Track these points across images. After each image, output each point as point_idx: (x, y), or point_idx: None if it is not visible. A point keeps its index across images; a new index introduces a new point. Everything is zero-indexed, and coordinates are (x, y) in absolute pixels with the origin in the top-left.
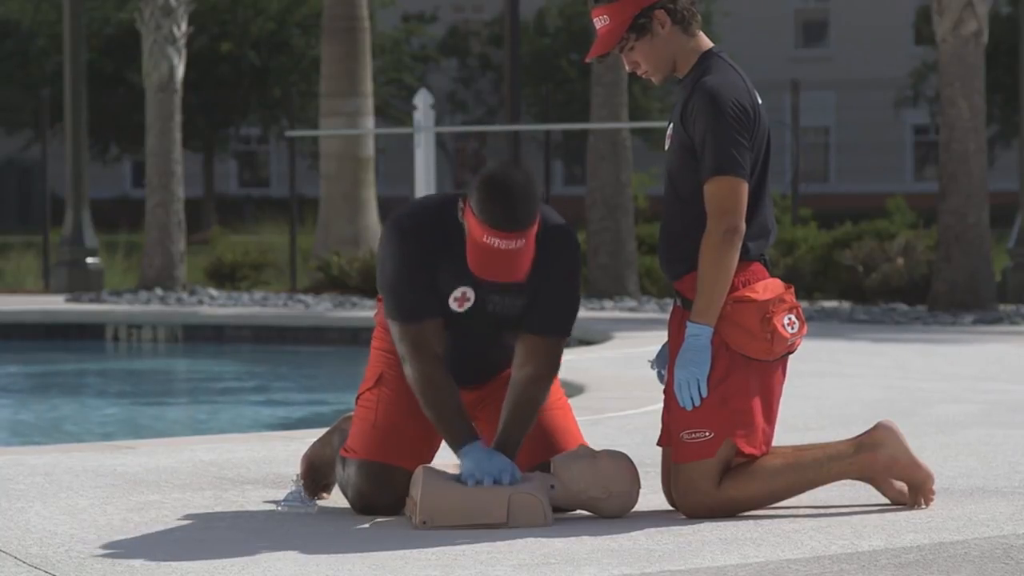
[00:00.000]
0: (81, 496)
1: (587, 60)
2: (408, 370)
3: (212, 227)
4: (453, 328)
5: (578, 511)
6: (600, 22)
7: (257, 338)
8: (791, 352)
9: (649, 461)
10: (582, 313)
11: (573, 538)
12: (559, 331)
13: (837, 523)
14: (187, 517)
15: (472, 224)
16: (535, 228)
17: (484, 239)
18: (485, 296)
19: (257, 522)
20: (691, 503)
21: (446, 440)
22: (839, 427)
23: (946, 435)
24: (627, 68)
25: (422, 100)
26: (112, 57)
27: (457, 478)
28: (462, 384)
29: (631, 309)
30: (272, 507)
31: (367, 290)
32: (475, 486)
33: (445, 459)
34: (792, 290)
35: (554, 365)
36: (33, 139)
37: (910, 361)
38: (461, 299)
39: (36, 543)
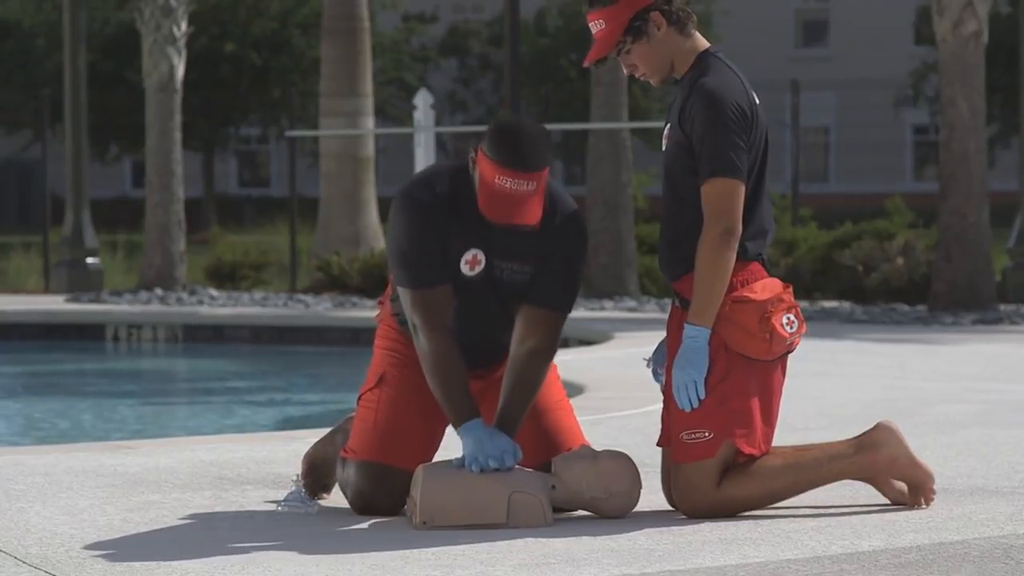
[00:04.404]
0: (81, 496)
1: (585, 65)
2: (419, 340)
3: (212, 227)
4: (462, 299)
5: (578, 511)
6: (596, 26)
7: (257, 338)
8: (790, 352)
9: (649, 461)
10: (582, 313)
11: (573, 538)
12: (561, 306)
13: (837, 523)
14: (187, 517)
15: (484, 168)
16: (545, 175)
17: (496, 180)
18: (494, 260)
19: (257, 522)
20: (691, 503)
21: (448, 414)
22: (839, 427)
23: (946, 435)
24: (625, 71)
25: (422, 100)
26: (112, 57)
27: (460, 463)
28: (468, 369)
29: (631, 309)
30: (272, 507)
31: (367, 290)
32: (478, 472)
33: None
34: (790, 289)
35: (554, 341)
36: (33, 139)
37: (910, 361)
38: (472, 261)
39: (36, 543)
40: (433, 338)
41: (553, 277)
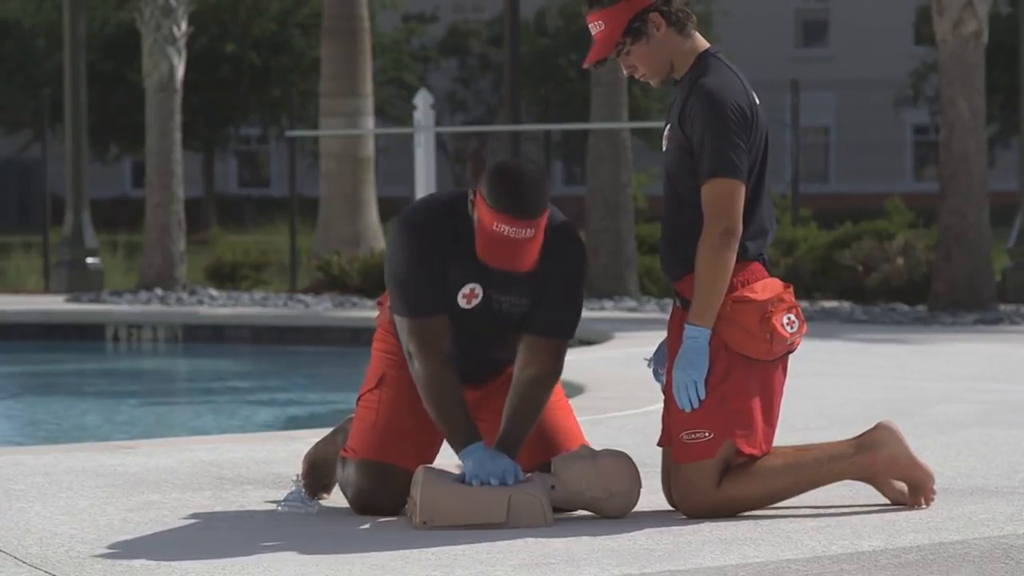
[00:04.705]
0: (81, 496)
1: (585, 66)
2: (414, 367)
3: (212, 227)
4: (458, 326)
5: (578, 511)
6: (596, 27)
7: (257, 338)
8: (791, 352)
9: (649, 461)
10: (582, 313)
11: (573, 538)
12: (563, 333)
13: (837, 523)
14: (187, 517)
15: (483, 213)
16: (544, 219)
17: (494, 227)
18: (492, 294)
19: (257, 522)
20: (691, 503)
21: (448, 440)
22: (839, 427)
23: (946, 435)
24: (624, 72)
25: (422, 100)
26: (112, 57)
27: (459, 479)
28: (464, 382)
29: (631, 309)
30: (272, 507)
31: (367, 290)
32: (478, 486)
33: (446, 460)
34: (791, 289)
35: (557, 367)
36: (33, 139)
37: (910, 361)
38: (469, 295)
39: (36, 543)
40: (428, 365)
41: (553, 304)
